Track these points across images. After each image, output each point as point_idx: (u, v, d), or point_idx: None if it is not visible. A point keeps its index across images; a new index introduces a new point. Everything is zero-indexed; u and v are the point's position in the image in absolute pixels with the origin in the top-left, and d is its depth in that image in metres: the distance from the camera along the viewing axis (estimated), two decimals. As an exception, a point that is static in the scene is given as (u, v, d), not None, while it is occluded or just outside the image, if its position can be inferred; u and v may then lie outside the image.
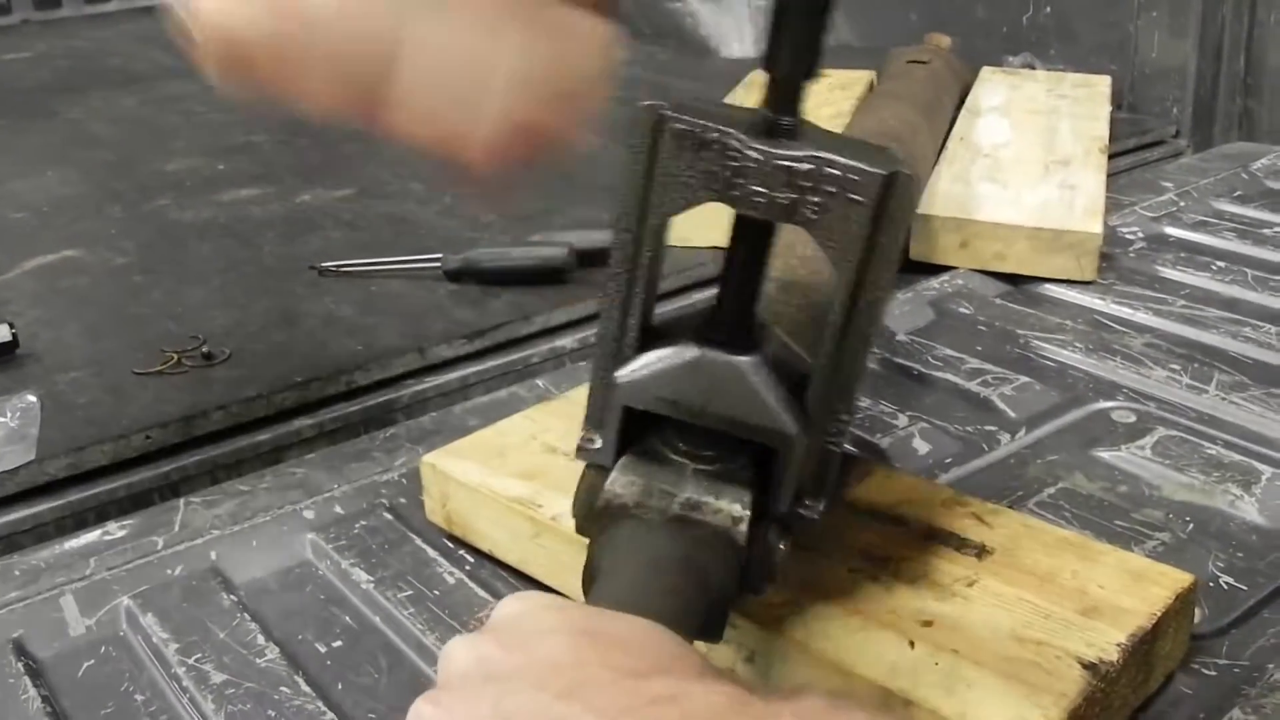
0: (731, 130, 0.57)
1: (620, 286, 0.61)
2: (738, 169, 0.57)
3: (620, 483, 0.61)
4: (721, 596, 0.60)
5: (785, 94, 0.58)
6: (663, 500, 0.60)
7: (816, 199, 0.57)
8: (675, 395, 0.61)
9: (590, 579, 0.60)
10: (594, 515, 0.62)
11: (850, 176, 0.56)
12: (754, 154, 0.57)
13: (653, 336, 0.62)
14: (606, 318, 0.62)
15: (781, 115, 0.58)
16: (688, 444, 0.62)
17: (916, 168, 1.14)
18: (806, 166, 0.56)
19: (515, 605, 0.52)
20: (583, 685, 0.44)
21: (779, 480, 0.61)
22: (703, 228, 1.27)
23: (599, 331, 0.63)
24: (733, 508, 0.60)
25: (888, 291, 0.59)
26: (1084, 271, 1.23)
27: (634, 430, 0.63)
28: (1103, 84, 1.71)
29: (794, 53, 0.57)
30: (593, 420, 0.63)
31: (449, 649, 0.50)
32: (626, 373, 0.62)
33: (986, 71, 1.81)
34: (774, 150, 0.57)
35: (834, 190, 0.56)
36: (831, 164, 0.56)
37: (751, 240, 0.61)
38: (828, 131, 0.60)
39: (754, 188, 0.57)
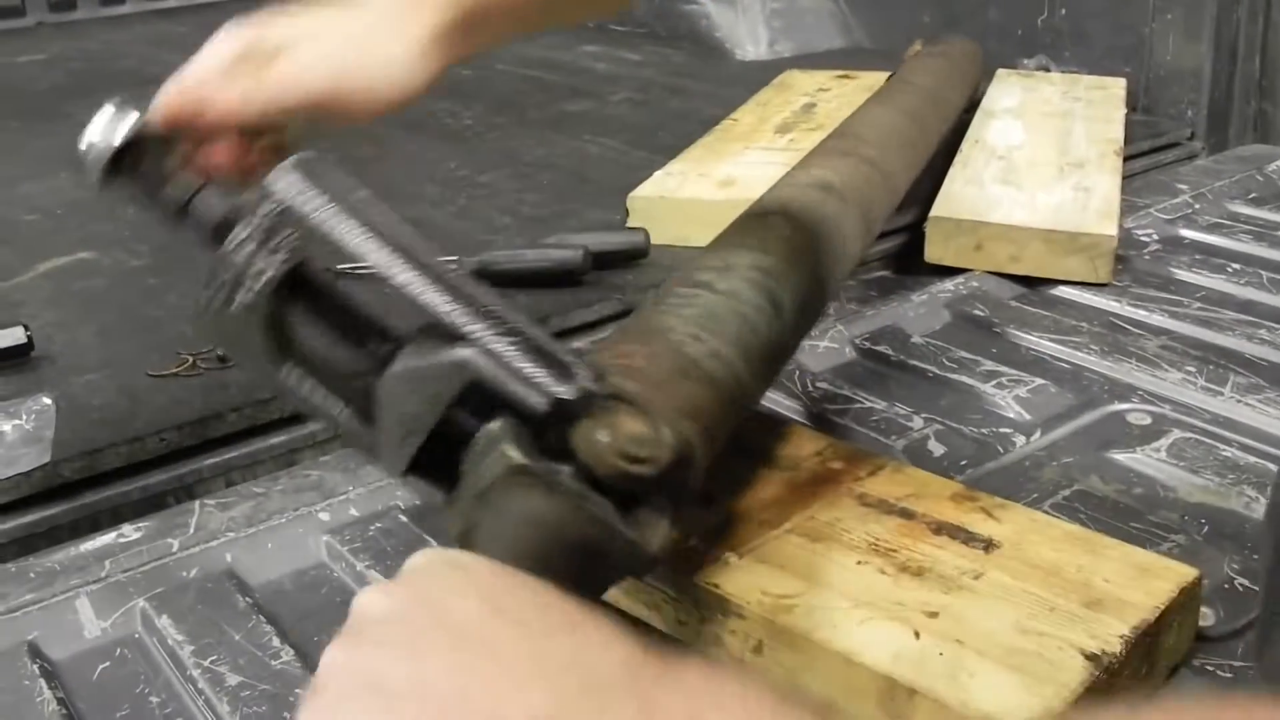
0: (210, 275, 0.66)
1: (318, 416, 0.68)
2: (236, 283, 0.65)
3: (451, 520, 0.63)
4: (580, 524, 0.61)
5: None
6: (469, 500, 0.62)
7: (274, 235, 0.64)
8: (400, 429, 0.64)
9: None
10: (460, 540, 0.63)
11: (267, 206, 0.64)
12: (226, 263, 0.64)
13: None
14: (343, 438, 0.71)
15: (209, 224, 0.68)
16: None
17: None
18: (246, 230, 0.64)
19: (427, 561, 0.53)
20: (493, 643, 0.46)
21: (501, 391, 0.62)
22: (697, 228, 1.27)
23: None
24: (498, 450, 0.61)
25: (394, 224, 0.65)
26: (1098, 274, 1.23)
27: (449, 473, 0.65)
28: (1118, 86, 1.71)
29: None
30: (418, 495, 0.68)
31: (363, 598, 0.50)
32: (380, 454, 0.66)
33: (1002, 73, 1.82)
34: (226, 247, 0.65)
35: (271, 221, 0.64)
36: (253, 213, 0.64)
37: (313, 303, 0.67)
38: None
39: (251, 277, 0.65)
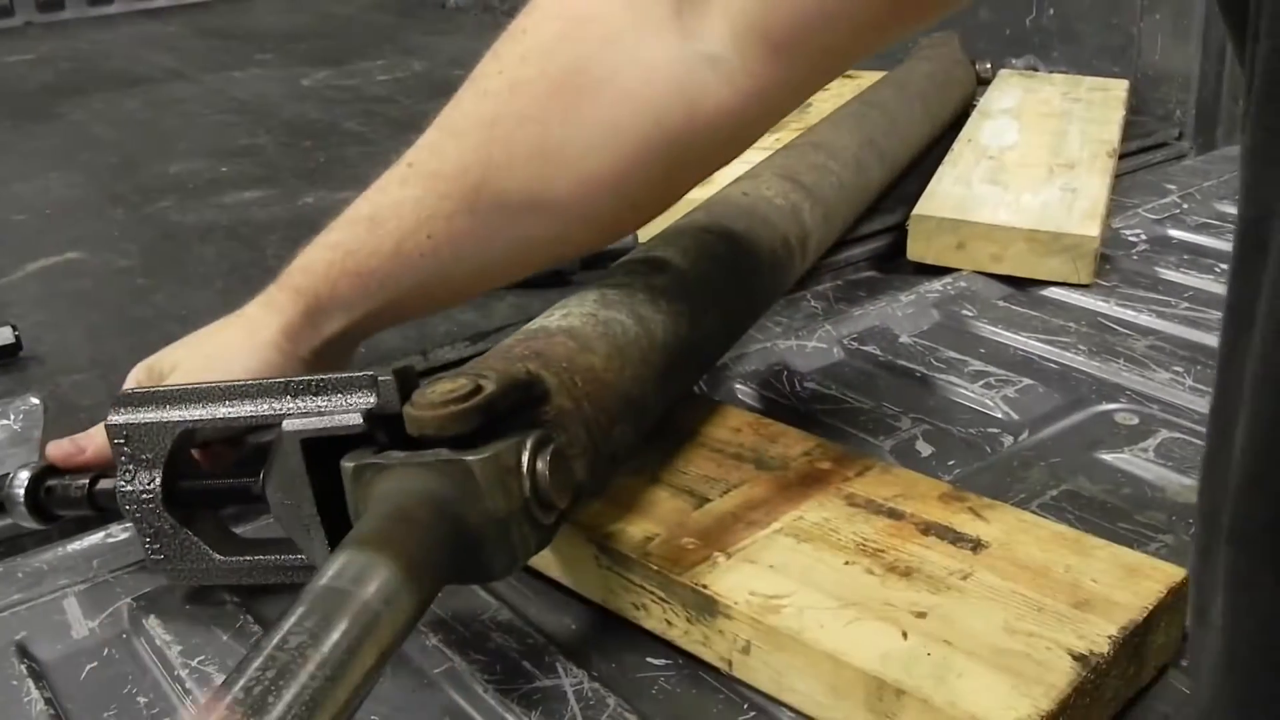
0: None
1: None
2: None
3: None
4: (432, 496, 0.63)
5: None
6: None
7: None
8: (290, 517, 0.73)
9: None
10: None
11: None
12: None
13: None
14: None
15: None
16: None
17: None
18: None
19: None
20: None
21: (328, 438, 0.69)
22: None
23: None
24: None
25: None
26: (1080, 275, 1.23)
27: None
28: (1119, 88, 1.72)
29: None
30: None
31: None
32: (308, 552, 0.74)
33: (1004, 74, 1.82)
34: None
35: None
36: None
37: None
38: None
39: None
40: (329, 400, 0.70)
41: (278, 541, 0.78)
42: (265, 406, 0.73)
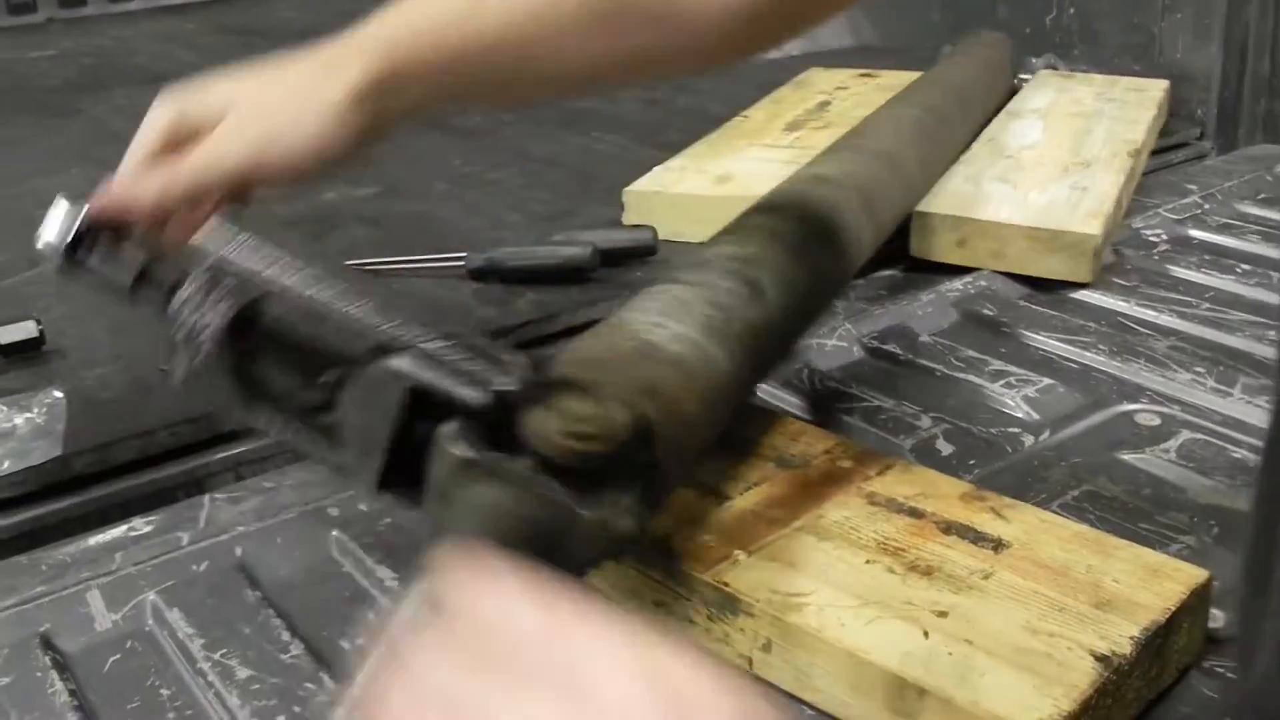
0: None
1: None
2: (193, 343, 0.71)
3: (420, 526, 0.66)
4: (539, 511, 0.61)
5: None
6: (433, 503, 0.64)
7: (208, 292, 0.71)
8: (362, 448, 0.67)
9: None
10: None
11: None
12: (179, 323, 0.72)
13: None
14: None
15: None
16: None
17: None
18: (190, 288, 0.71)
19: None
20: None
21: (440, 393, 0.64)
22: (692, 223, 1.28)
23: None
24: (447, 449, 0.62)
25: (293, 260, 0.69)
26: (1079, 273, 1.22)
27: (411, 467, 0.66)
28: (1156, 88, 1.70)
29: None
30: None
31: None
32: (353, 478, 0.69)
33: (1043, 74, 1.81)
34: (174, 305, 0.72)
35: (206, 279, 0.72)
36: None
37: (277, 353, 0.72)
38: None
39: (203, 330, 0.71)
40: (455, 356, 0.65)
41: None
42: (387, 327, 0.66)
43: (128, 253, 0.76)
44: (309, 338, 0.72)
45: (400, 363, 0.65)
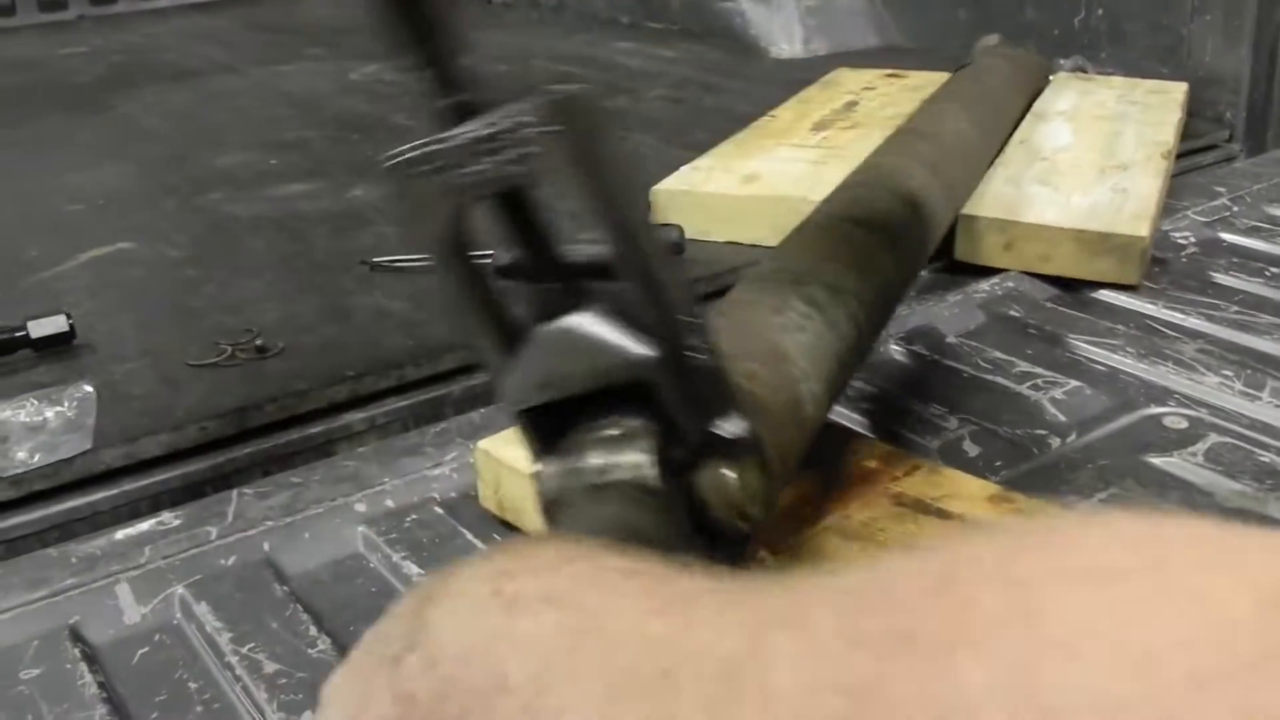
0: (425, 140, 0.59)
1: (458, 319, 0.63)
2: (448, 166, 0.58)
3: (546, 479, 0.62)
4: (670, 545, 0.59)
5: (441, 82, 0.59)
6: (577, 479, 0.61)
7: (521, 151, 0.57)
8: (542, 378, 0.62)
9: None
10: (546, 520, 0.63)
11: (531, 117, 0.56)
12: (448, 146, 0.58)
13: (514, 339, 0.63)
14: (471, 349, 0.64)
15: (447, 101, 0.58)
16: (586, 418, 0.63)
17: (947, 165, 1.13)
18: (489, 130, 0.57)
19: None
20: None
21: (666, 408, 0.61)
22: (718, 222, 1.28)
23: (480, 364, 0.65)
24: (637, 458, 0.60)
25: (631, 198, 0.59)
26: (1128, 275, 1.22)
27: (553, 429, 0.63)
28: (1178, 91, 1.70)
29: (420, 43, 0.58)
30: (524, 445, 0.65)
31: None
32: (503, 384, 0.63)
33: (1062, 76, 1.81)
34: (460, 132, 0.57)
35: (528, 138, 0.56)
36: (513, 115, 0.56)
37: (510, 214, 0.62)
38: (502, 92, 0.60)
39: (468, 173, 0.58)
40: (701, 381, 0.61)
41: None
42: (659, 302, 0.59)
43: None
44: (558, 248, 0.64)
45: (651, 355, 0.59)
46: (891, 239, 0.88)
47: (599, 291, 0.62)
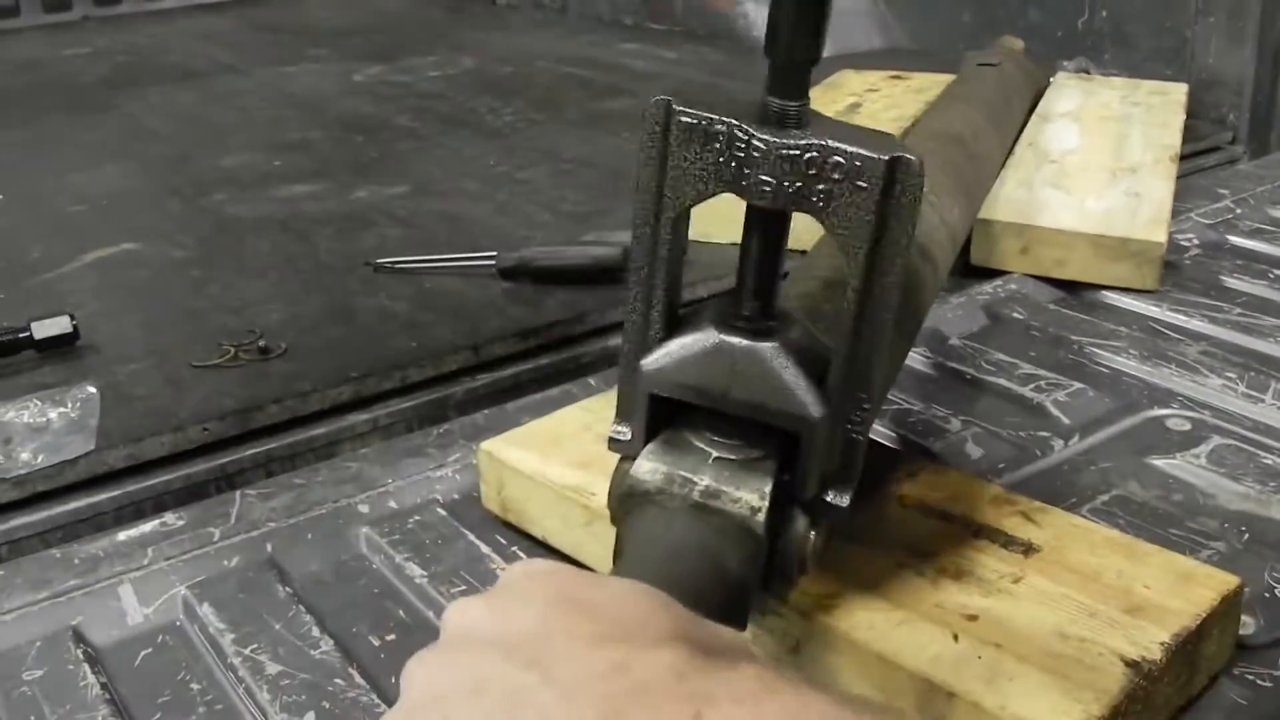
0: (737, 121, 0.58)
1: (641, 279, 0.63)
2: (745, 159, 0.58)
3: (644, 469, 0.62)
4: (741, 585, 0.60)
5: (788, 81, 0.58)
6: (684, 487, 0.61)
7: (822, 186, 0.57)
8: (698, 381, 0.62)
9: (614, 563, 0.60)
10: (621, 502, 0.62)
11: (855, 163, 0.56)
12: (759, 143, 0.57)
13: (678, 325, 0.63)
14: (631, 310, 0.63)
15: (786, 103, 0.58)
16: (713, 431, 0.63)
17: (976, 167, 1.12)
18: (811, 154, 0.57)
19: (515, 571, 0.52)
20: (543, 656, 0.45)
21: (802, 467, 0.61)
22: (721, 223, 1.27)
23: (625, 325, 0.64)
24: (751, 497, 0.60)
25: (898, 276, 0.59)
26: (1145, 280, 1.22)
27: (663, 419, 0.63)
28: (1179, 92, 1.70)
29: (793, 38, 0.57)
30: (622, 411, 0.64)
31: (448, 609, 0.50)
32: (651, 361, 0.63)
33: (1062, 77, 1.80)
34: (779, 139, 0.57)
35: (839, 177, 0.57)
36: (836, 151, 0.57)
37: (764, 228, 0.62)
38: (833, 119, 0.60)
39: (762, 177, 0.58)
40: (845, 449, 0.62)
41: None
42: (859, 369, 0.61)
43: None
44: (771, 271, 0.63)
45: (821, 413, 0.60)
46: (935, 272, 0.87)
47: (791, 326, 0.62)
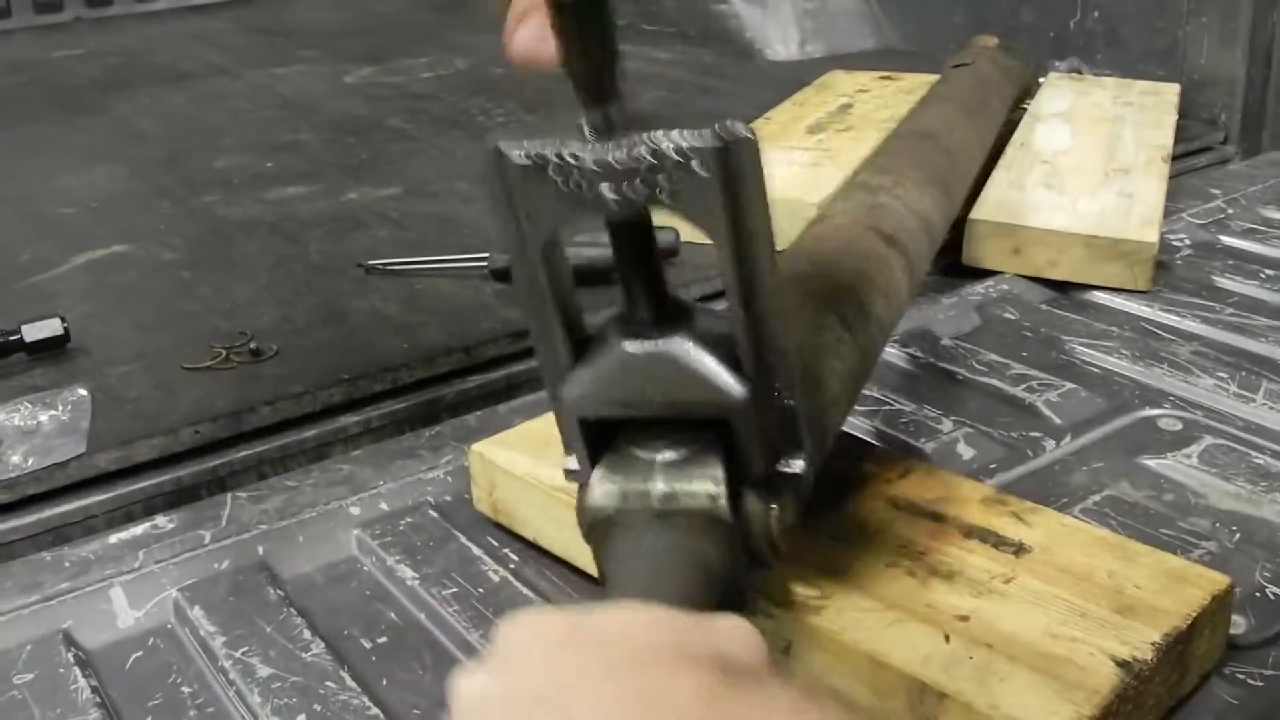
0: (564, 145, 0.57)
1: (534, 315, 0.63)
2: (583, 178, 0.57)
3: (598, 495, 0.62)
4: (729, 575, 0.60)
5: (592, 94, 0.57)
6: (641, 501, 0.61)
7: (663, 179, 0.56)
8: (620, 396, 0.62)
9: (603, 589, 0.60)
10: (590, 532, 0.63)
11: (689, 155, 0.56)
12: (587, 158, 0.57)
13: (586, 347, 0.63)
14: (537, 346, 0.64)
15: (597, 110, 0.57)
16: (653, 439, 0.63)
17: (960, 161, 1.12)
18: (637, 150, 0.56)
19: (503, 629, 0.50)
20: (562, 701, 0.44)
21: (745, 447, 0.61)
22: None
23: (537, 361, 0.64)
24: (706, 486, 0.60)
25: (768, 246, 0.58)
26: (1138, 281, 1.22)
27: (606, 436, 0.64)
28: (1171, 92, 1.70)
29: (583, 53, 0.57)
30: (565, 443, 0.65)
31: (452, 685, 0.49)
32: (569, 389, 0.63)
33: (1053, 77, 1.80)
34: (604, 147, 0.57)
35: (679, 173, 0.56)
36: (662, 142, 0.56)
37: (625, 236, 0.61)
38: (655, 118, 0.59)
39: (603, 189, 0.57)
40: (779, 425, 0.62)
41: None
42: (760, 350, 0.60)
43: None
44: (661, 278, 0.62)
45: (742, 395, 0.60)
46: (907, 259, 0.87)
47: (691, 318, 0.62)
